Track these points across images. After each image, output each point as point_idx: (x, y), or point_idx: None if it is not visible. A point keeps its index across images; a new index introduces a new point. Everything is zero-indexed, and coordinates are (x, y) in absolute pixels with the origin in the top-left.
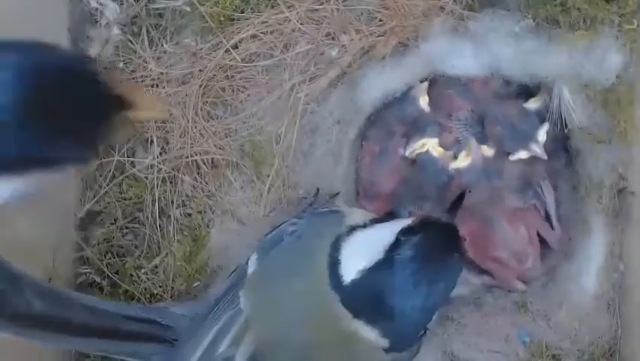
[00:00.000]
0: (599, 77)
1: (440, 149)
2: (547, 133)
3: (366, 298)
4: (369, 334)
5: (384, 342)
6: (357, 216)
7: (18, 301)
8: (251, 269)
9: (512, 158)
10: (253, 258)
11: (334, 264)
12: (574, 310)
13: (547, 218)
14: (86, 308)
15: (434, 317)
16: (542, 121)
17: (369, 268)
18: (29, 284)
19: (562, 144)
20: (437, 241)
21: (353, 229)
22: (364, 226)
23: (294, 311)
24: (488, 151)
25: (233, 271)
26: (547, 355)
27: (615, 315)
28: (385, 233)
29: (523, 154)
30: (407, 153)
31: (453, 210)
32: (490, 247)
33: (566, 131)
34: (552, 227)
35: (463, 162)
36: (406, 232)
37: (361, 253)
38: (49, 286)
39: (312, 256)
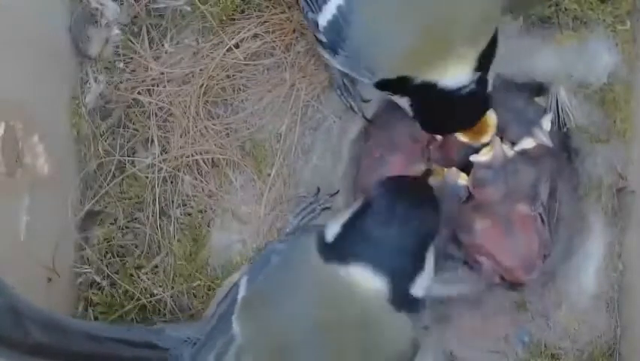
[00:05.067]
0: (590, 77)
1: (440, 170)
2: (552, 122)
3: (349, 240)
4: (362, 275)
5: (382, 283)
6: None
7: (16, 330)
8: (241, 294)
9: (518, 148)
10: (243, 281)
11: (321, 241)
12: (573, 309)
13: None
14: (86, 335)
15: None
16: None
17: (347, 219)
18: (28, 311)
19: (561, 144)
20: (404, 185)
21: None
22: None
23: (299, 320)
24: (509, 151)
25: (226, 294)
26: (547, 354)
27: (614, 315)
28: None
29: (528, 142)
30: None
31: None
32: (499, 248)
33: (564, 130)
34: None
35: (484, 156)
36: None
37: (339, 218)
38: (48, 314)
39: (299, 265)
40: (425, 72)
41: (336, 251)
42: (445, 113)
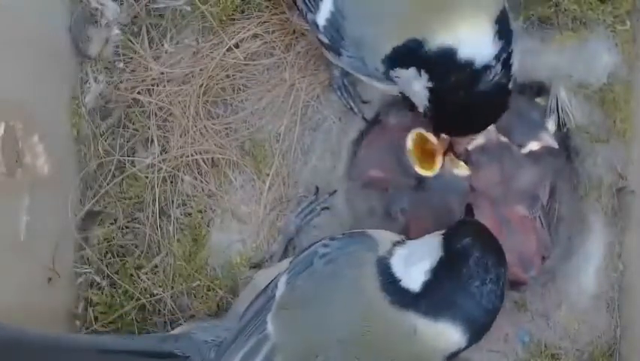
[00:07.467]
0: (590, 77)
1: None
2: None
3: (445, 293)
4: (452, 335)
5: (464, 339)
6: (386, 235)
7: None
8: (279, 292)
9: (524, 151)
10: (282, 280)
11: (392, 283)
12: (573, 309)
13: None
14: (97, 351)
15: None
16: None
17: (435, 266)
18: (32, 343)
19: (561, 144)
20: (485, 231)
21: (394, 244)
22: (402, 241)
23: (337, 337)
24: (504, 138)
25: (261, 292)
26: (547, 354)
27: (614, 315)
28: (430, 238)
29: (534, 145)
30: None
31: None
32: None
33: (564, 130)
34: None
35: (476, 141)
36: (451, 230)
37: (416, 260)
38: (53, 336)
39: (351, 284)
40: (435, 32)
41: (429, 304)
42: (468, 100)
